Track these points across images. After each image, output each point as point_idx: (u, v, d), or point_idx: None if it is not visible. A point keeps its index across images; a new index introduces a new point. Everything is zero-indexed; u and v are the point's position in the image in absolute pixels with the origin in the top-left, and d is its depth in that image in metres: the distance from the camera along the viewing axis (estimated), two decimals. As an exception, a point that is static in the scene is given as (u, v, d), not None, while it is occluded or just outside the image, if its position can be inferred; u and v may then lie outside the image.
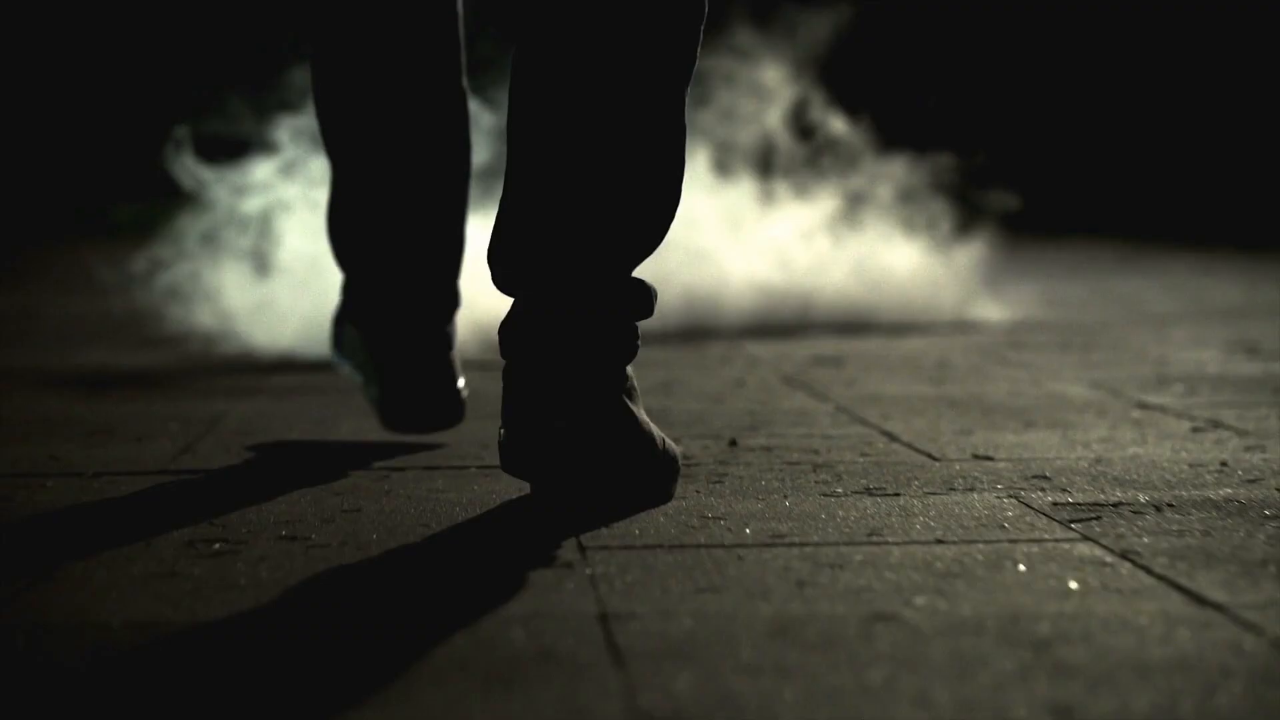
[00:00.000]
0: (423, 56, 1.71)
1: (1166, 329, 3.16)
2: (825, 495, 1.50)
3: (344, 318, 1.83)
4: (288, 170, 2.95)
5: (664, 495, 1.46)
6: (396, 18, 1.70)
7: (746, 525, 1.37)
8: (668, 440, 1.48)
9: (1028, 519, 1.39)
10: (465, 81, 1.75)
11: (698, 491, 1.52)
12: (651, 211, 1.44)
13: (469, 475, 1.62)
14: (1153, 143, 7.28)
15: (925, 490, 1.52)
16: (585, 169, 1.41)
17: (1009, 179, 3.66)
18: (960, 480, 1.56)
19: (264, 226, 2.98)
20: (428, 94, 1.71)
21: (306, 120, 2.86)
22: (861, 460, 1.68)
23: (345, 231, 1.79)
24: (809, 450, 1.75)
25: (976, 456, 1.69)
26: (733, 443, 1.80)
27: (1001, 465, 1.64)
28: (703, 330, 3.16)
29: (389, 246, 1.74)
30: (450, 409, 1.73)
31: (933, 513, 1.42)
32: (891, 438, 1.82)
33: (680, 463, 1.50)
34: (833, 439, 1.82)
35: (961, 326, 3.23)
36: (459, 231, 1.79)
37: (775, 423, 1.95)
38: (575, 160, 1.41)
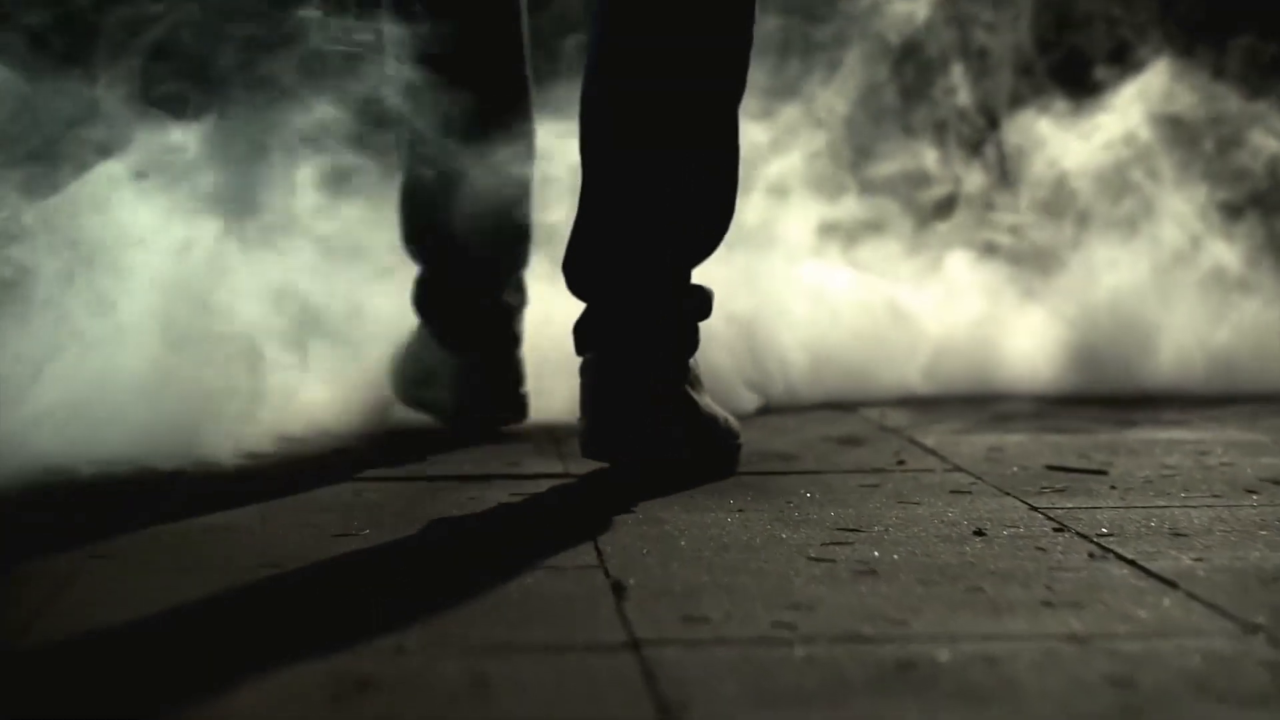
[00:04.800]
0: (482, 40, 1.69)
1: None
2: None
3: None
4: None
5: (729, 471, 1.57)
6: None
7: None
8: (730, 419, 1.61)
9: None
10: (528, 70, 1.76)
11: None
12: (707, 225, 1.58)
13: None
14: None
15: None
16: (650, 188, 1.55)
17: None
18: None
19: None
20: (487, 74, 1.71)
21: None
22: None
23: (412, 216, 1.81)
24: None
25: None
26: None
27: None
28: (838, 389, 2.12)
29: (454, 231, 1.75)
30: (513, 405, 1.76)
31: None
32: None
33: (738, 438, 1.60)
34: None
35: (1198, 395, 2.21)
36: (525, 225, 1.81)
37: (1162, 701, 0.92)
38: (641, 181, 1.55)
